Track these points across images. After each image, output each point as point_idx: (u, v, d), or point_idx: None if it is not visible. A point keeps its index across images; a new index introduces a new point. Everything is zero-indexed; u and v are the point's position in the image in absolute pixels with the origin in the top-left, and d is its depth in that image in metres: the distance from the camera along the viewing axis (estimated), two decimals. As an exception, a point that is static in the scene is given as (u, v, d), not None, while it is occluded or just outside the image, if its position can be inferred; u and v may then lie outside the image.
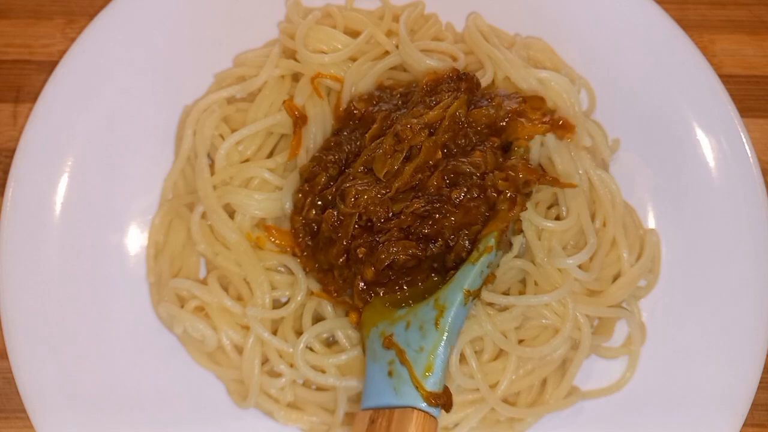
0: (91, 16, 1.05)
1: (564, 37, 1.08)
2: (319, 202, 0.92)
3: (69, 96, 1.01)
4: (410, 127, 0.90)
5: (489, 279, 0.88)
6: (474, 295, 0.85)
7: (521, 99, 0.96)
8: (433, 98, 0.94)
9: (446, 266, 0.89)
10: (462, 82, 0.95)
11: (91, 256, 0.97)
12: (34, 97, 1.01)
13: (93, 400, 0.92)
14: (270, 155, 1.00)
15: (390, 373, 0.83)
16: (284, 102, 1.00)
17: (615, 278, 0.99)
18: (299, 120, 0.98)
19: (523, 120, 0.93)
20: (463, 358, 0.91)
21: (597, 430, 0.95)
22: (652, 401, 0.95)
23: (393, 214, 0.88)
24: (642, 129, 1.05)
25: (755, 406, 0.95)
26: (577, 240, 0.98)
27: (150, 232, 0.99)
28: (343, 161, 0.95)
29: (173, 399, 0.94)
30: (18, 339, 0.93)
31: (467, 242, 0.88)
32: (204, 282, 0.96)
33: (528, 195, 0.92)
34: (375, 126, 0.94)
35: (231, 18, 1.07)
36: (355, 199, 0.88)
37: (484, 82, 1.02)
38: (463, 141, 0.92)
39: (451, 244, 0.88)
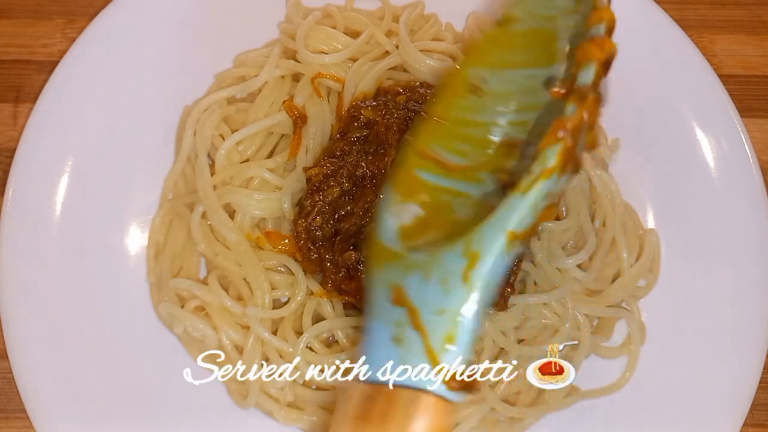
0: (91, 16, 1.05)
1: (564, 37, 1.08)
2: (329, 217, 0.92)
3: (69, 96, 1.01)
4: None
5: (546, 215, 0.63)
6: (523, 239, 0.62)
7: None
8: None
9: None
10: None
11: (91, 256, 0.97)
12: (34, 97, 1.01)
13: (93, 400, 0.92)
14: (270, 155, 1.00)
15: (397, 340, 0.64)
16: (284, 102, 1.00)
17: (614, 278, 0.99)
18: (299, 120, 0.98)
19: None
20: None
21: (597, 430, 0.95)
22: (652, 401, 0.95)
23: None
24: (642, 129, 1.05)
25: (755, 406, 0.95)
26: (576, 240, 0.98)
27: (150, 232, 0.99)
28: (359, 178, 0.93)
29: (173, 399, 0.94)
30: (18, 339, 0.93)
31: None
32: (204, 282, 0.96)
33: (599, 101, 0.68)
34: (391, 151, 0.91)
35: (231, 18, 1.07)
36: None
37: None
38: None
39: None
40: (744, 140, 1.02)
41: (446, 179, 0.70)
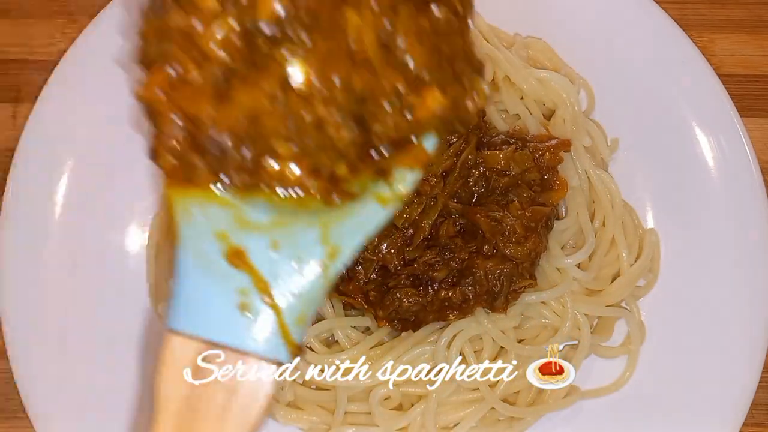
0: (91, 16, 1.05)
1: (563, 37, 1.08)
2: None
3: (69, 96, 1.01)
4: (428, 180, 0.88)
5: (425, 188, 0.72)
6: (394, 203, 0.64)
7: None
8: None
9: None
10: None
11: (91, 256, 0.97)
12: (33, 97, 1.01)
13: (92, 400, 0.92)
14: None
15: (243, 307, 0.61)
16: None
17: (614, 278, 0.99)
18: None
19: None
20: (462, 357, 0.91)
21: (596, 430, 0.95)
22: (652, 401, 0.95)
23: (406, 262, 0.89)
24: (641, 129, 1.05)
25: (755, 406, 0.95)
26: (576, 239, 0.98)
27: (150, 233, 0.99)
28: None
29: (173, 399, 0.94)
30: (18, 339, 0.93)
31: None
32: (203, 282, 0.96)
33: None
34: None
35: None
36: (375, 246, 0.88)
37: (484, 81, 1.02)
38: (483, 185, 0.92)
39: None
40: (744, 140, 1.02)
41: None
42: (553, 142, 0.95)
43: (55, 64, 1.02)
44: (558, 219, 0.96)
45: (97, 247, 0.98)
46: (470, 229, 0.90)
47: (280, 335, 0.61)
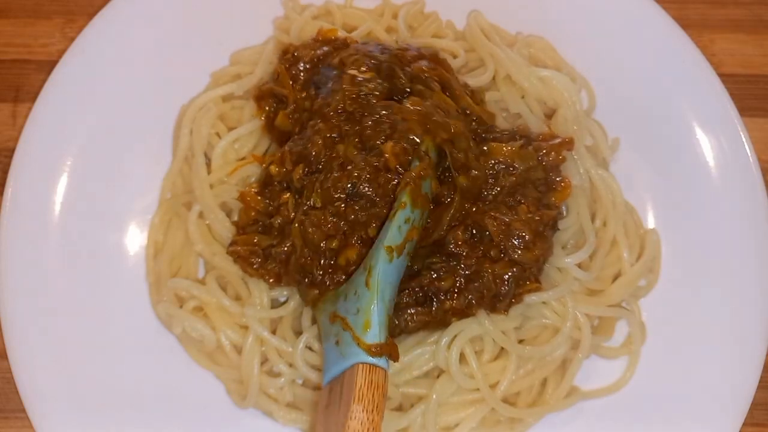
0: (91, 16, 1.05)
1: (564, 36, 1.08)
2: None
3: (68, 96, 1.01)
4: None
5: (411, 234, 0.88)
6: (398, 251, 0.86)
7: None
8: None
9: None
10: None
11: (91, 256, 0.97)
12: (33, 97, 1.01)
13: (92, 399, 0.92)
14: (265, 153, 1.00)
15: (337, 343, 0.85)
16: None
17: (615, 278, 0.99)
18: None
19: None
20: (463, 358, 0.91)
21: (597, 430, 0.95)
22: (652, 401, 0.95)
23: (411, 274, 0.91)
24: (642, 128, 1.05)
25: (755, 406, 0.95)
26: (576, 239, 0.98)
27: (149, 232, 0.99)
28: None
29: (172, 398, 0.94)
30: (18, 339, 0.93)
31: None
32: (202, 282, 0.96)
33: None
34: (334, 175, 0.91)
35: (229, 17, 1.08)
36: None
37: (484, 79, 1.02)
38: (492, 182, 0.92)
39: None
40: (744, 140, 1.02)
41: None
42: (557, 140, 0.95)
43: (54, 64, 1.02)
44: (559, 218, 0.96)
45: (96, 246, 0.98)
46: (478, 228, 0.90)
47: (355, 344, 0.83)
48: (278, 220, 0.92)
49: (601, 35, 1.07)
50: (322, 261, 0.89)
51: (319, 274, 0.89)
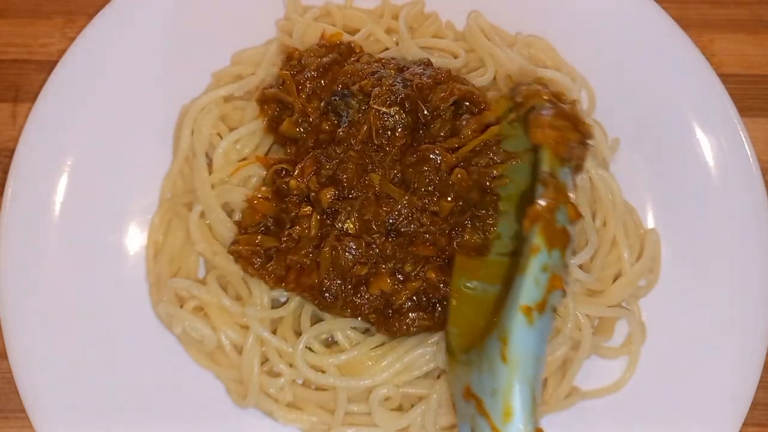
0: (91, 16, 1.05)
1: (564, 36, 1.08)
2: None
3: (68, 96, 1.01)
4: None
5: (555, 284, 0.74)
6: (538, 309, 0.73)
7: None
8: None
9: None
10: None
11: (91, 256, 0.97)
12: (33, 97, 1.01)
13: (92, 399, 0.92)
14: (267, 154, 1.00)
15: (473, 430, 0.75)
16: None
17: (615, 278, 0.99)
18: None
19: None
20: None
21: (597, 430, 0.95)
22: (652, 401, 0.95)
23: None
24: (642, 128, 1.05)
25: (755, 406, 0.95)
26: (577, 240, 0.98)
27: (149, 232, 0.99)
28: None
29: (173, 398, 0.94)
30: (18, 339, 0.93)
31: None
32: (203, 282, 0.96)
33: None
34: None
35: (230, 17, 1.07)
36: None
37: (485, 80, 1.02)
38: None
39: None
40: (744, 140, 1.02)
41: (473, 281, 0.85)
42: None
43: (54, 63, 1.02)
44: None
45: (96, 246, 0.98)
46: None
47: None
48: (296, 231, 0.90)
49: (601, 35, 1.07)
50: (346, 285, 0.88)
51: (340, 294, 0.88)
